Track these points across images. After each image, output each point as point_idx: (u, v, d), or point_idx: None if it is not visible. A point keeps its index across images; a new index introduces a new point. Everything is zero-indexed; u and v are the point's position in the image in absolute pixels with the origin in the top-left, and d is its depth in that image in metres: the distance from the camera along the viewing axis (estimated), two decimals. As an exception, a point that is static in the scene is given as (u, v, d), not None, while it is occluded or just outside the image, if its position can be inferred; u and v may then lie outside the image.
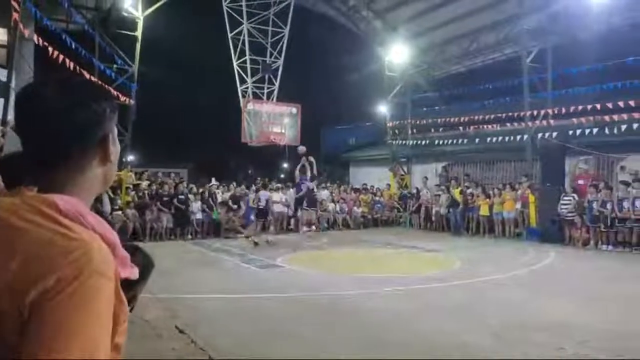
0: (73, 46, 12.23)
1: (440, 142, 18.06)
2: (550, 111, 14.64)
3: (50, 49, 11.40)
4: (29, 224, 0.84)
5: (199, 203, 15.07)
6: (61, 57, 11.74)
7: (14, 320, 0.79)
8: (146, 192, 15.41)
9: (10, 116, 8.54)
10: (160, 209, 14.26)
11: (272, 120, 19.82)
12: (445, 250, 11.81)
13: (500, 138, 15.86)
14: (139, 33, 15.40)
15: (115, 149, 1.00)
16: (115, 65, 14.77)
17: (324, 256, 11.05)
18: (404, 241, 13.44)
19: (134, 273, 0.97)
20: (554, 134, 14.19)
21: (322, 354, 4.66)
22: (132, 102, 15.26)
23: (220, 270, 9.27)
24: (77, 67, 12.13)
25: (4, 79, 11.79)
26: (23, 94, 0.93)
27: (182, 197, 14.76)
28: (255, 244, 12.09)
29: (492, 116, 16.35)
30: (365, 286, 7.64)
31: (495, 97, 16.52)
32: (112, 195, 14.64)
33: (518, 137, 14.99)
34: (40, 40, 11.04)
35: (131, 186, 15.49)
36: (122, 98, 14.24)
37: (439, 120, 18.66)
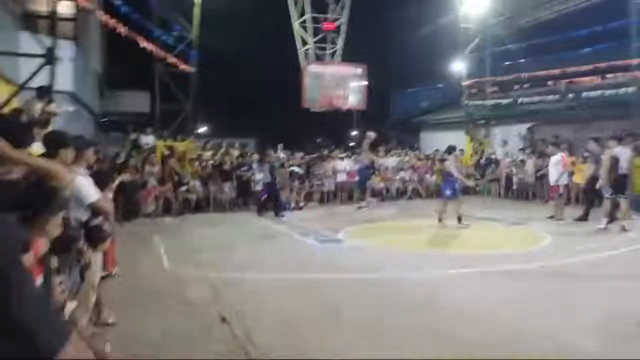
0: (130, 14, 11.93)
1: (525, 101, 16.04)
2: (663, 58, 12.30)
3: (105, 18, 11.15)
4: None
5: (262, 174, 14.54)
6: (120, 26, 11.49)
7: None
8: (209, 162, 15.22)
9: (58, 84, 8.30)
10: (223, 179, 13.93)
11: (336, 83, 18.70)
12: (531, 222, 10.35)
13: (599, 92, 13.67)
14: (197, -3, 14.88)
15: None
16: (174, 32, 14.40)
17: (390, 229, 10.05)
18: (481, 212, 11.98)
19: None
20: (669, 85, 11.89)
21: (384, 349, 3.79)
22: (193, 69, 14.88)
23: (277, 244, 8.63)
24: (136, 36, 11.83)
25: (72, 53, 11.81)
26: None
27: (245, 168, 14.32)
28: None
29: (590, 67, 14.07)
30: (435, 266, 6.61)
31: (593, 44, 14.16)
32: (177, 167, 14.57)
33: (622, 91, 12.77)
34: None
35: (195, 157, 15.34)
36: (182, 66, 13.88)
37: (524, 75, 16.54)
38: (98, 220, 4.26)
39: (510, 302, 5.03)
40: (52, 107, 6.33)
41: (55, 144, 3.39)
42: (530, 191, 14.55)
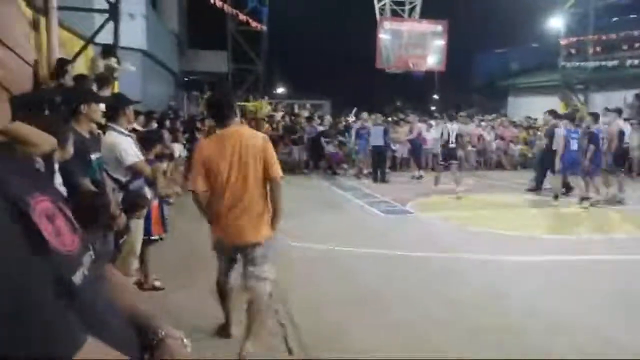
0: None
1: (634, 63, 13.96)
2: None
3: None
4: None
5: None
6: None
7: None
8: (280, 124, 15.12)
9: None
10: (293, 141, 13.69)
11: (413, 42, 17.35)
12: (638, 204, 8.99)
13: None
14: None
15: None
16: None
17: (464, 203, 9.20)
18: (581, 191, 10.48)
19: None
20: None
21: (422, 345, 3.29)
22: (264, 28, 14.49)
23: (340, 213, 8.21)
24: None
25: (145, 10, 11.90)
26: None
27: (318, 129, 13.92)
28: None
29: None
30: (509, 250, 5.86)
31: None
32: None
33: None
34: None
35: (266, 118, 15.28)
36: (253, 24, 13.53)
37: (635, 32, 14.33)
38: (138, 184, 4.04)
39: (592, 298, 4.23)
40: (112, 61, 6.24)
41: (77, 100, 3.11)
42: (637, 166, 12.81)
